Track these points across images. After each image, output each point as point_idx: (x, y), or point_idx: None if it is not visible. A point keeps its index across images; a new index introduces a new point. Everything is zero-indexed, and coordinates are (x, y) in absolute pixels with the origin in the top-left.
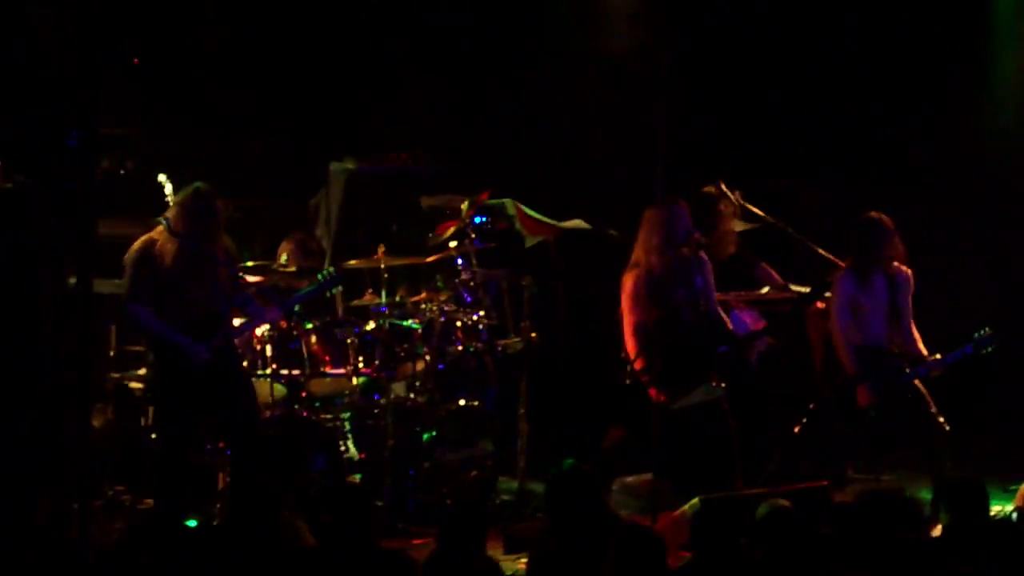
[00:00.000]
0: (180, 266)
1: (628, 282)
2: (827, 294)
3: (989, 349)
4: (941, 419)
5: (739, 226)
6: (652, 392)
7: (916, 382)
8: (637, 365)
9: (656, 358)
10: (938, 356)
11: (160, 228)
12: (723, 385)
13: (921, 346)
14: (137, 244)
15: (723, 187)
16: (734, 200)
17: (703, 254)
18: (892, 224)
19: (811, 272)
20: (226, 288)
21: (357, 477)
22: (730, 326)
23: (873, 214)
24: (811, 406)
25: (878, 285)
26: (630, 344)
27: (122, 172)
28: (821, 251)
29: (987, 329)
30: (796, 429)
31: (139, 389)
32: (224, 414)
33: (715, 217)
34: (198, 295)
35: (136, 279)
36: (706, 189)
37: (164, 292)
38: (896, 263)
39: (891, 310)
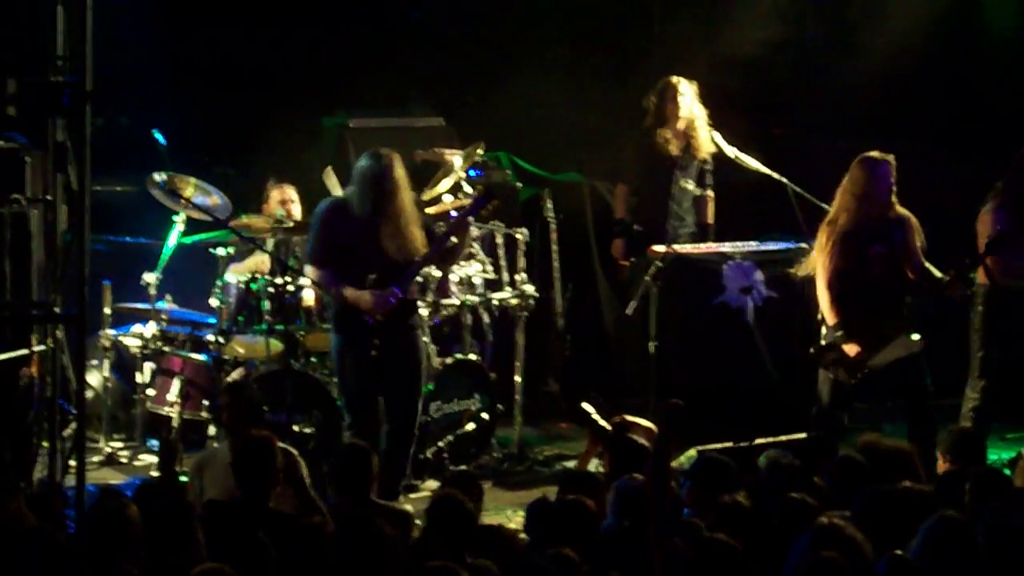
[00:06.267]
0: (359, 232)
1: (822, 235)
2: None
3: None
4: None
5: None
6: (853, 349)
7: None
8: (830, 319)
9: (847, 313)
10: None
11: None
12: (921, 339)
13: None
14: (325, 204)
15: (717, 139)
16: (729, 154)
17: (906, 212)
18: None
19: (810, 226)
20: (412, 247)
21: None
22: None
23: None
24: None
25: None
26: (823, 297)
27: (116, 129)
28: (822, 204)
29: None
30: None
31: (135, 346)
32: (389, 378)
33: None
34: (378, 258)
35: (317, 241)
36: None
37: (346, 255)
38: None
39: None
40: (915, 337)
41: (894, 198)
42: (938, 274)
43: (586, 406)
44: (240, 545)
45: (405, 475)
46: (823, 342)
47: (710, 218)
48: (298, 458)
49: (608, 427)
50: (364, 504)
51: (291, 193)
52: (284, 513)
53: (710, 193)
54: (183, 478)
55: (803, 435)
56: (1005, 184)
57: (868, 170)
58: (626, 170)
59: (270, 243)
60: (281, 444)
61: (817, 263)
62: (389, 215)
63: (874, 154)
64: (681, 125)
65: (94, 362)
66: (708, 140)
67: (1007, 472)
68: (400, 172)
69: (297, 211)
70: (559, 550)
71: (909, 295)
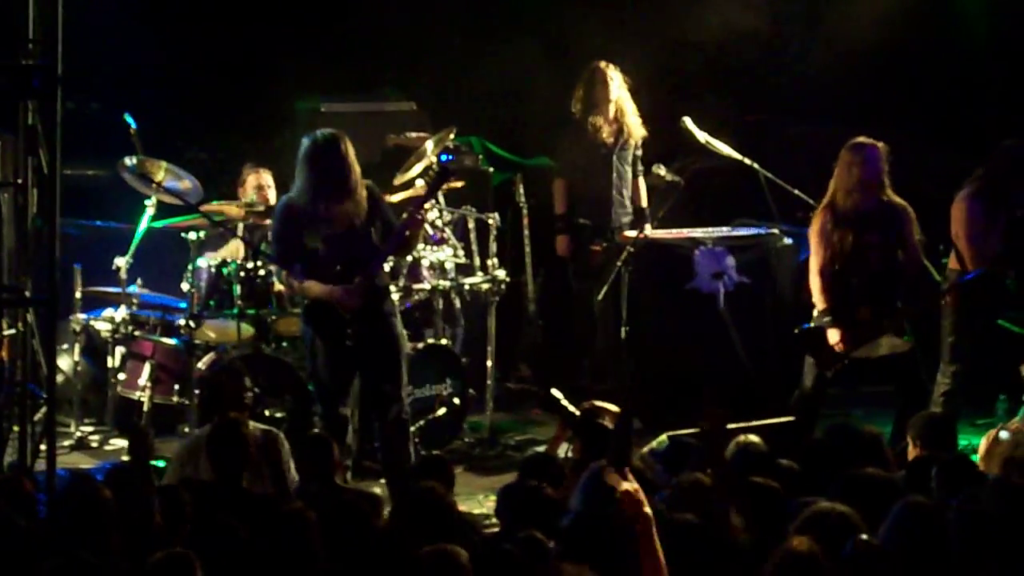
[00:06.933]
0: (315, 223)
1: (817, 220)
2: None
3: None
4: None
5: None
6: (835, 336)
7: None
8: (820, 305)
9: (839, 301)
10: None
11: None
12: (910, 340)
13: None
14: (281, 203)
15: (688, 124)
16: (700, 139)
17: (903, 203)
18: None
19: (782, 212)
20: (370, 233)
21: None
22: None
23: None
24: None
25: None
26: (814, 283)
27: (87, 112)
28: (794, 190)
29: None
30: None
31: (106, 330)
32: (370, 370)
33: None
34: (338, 247)
35: (278, 241)
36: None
37: (309, 250)
38: None
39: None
40: (904, 339)
41: (887, 187)
42: (937, 277)
43: (555, 392)
44: (210, 527)
45: (411, 460)
46: (810, 325)
47: (644, 202)
48: (281, 440)
49: (577, 413)
50: (331, 489)
51: (267, 178)
52: (257, 495)
53: (641, 178)
54: (155, 463)
55: (788, 419)
56: (984, 173)
57: (856, 155)
58: (563, 164)
59: (240, 227)
60: (264, 426)
61: (812, 248)
62: (334, 195)
63: (862, 139)
64: (611, 110)
65: (65, 346)
66: (638, 124)
67: (974, 458)
68: (346, 149)
69: (272, 197)
70: (529, 532)
71: (903, 296)
